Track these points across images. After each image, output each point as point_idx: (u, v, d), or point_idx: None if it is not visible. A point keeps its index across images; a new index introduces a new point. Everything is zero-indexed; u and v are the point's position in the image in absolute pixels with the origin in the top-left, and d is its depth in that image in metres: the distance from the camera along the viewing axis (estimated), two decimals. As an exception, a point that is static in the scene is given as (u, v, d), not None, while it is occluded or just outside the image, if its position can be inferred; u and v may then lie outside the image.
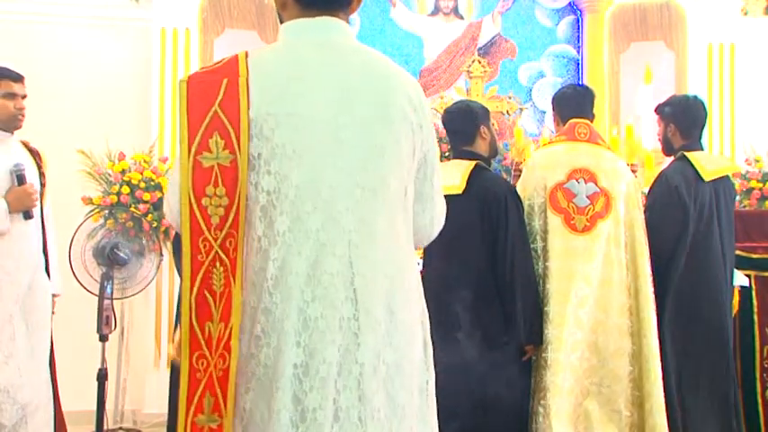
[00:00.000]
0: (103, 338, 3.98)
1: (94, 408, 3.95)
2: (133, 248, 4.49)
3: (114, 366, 4.67)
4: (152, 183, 4.85)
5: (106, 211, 4.68)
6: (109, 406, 4.24)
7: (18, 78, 3.41)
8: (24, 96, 3.43)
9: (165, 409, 4.59)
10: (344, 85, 1.64)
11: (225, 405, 1.56)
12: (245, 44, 5.22)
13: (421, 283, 1.75)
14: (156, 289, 5.03)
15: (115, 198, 4.74)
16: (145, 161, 4.92)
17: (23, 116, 3.41)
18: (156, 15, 5.30)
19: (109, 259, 4.22)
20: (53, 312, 3.56)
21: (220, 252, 1.58)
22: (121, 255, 4.32)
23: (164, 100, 5.25)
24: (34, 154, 3.55)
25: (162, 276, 5.02)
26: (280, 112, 1.59)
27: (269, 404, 1.55)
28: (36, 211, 3.41)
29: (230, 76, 1.61)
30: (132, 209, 4.72)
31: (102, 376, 3.95)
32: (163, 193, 4.80)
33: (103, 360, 4.04)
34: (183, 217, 1.58)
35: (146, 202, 4.79)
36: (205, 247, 1.58)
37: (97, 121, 4.95)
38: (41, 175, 3.54)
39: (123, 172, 4.84)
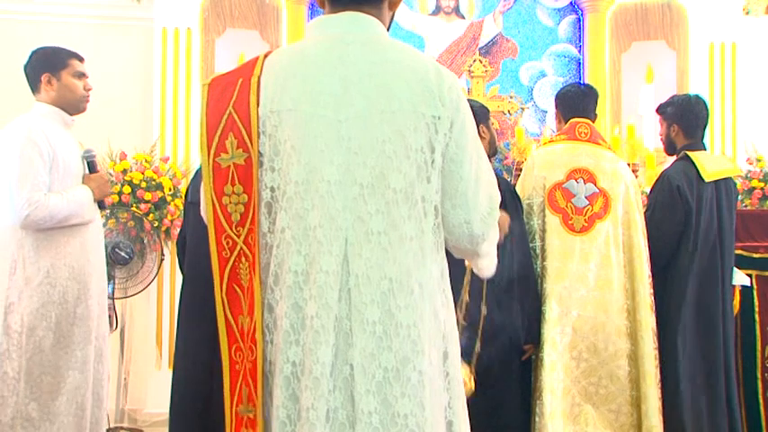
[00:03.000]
0: (104, 338, 3.99)
1: (95, 407, 3.95)
2: (134, 248, 4.50)
3: (115, 366, 4.67)
4: (153, 182, 4.85)
5: (107, 211, 4.68)
6: (110, 405, 4.24)
7: (82, 58, 3.16)
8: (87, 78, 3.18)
9: (167, 409, 4.59)
10: (348, 79, 1.61)
11: (257, 395, 1.59)
12: (246, 44, 5.23)
13: (448, 291, 1.68)
14: (157, 288, 5.04)
15: (116, 198, 4.74)
16: (146, 161, 4.93)
17: (89, 99, 3.17)
18: (158, 15, 5.30)
19: (110, 259, 4.22)
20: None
21: (244, 248, 1.61)
22: (123, 254, 4.32)
23: (165, 100, 5.26)
24: None
25: (163, 276, 5.03)
26: (282, 109, 1.60)
27: (273, 400, 1.58)
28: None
29: (245, 76, 1.63)
30: (134, 208, 4.73)
31: (103, 376, 3.95)
32: (164, 193, 4.82)
33: (104, 359, 4.05)
34: (208, 216, 1.63)
35: (147, 201, 4.79)
36: (228, 243, 1.62)
37: (98, 121, 4.92)
38: None
39: (125, 172, 4.85)
